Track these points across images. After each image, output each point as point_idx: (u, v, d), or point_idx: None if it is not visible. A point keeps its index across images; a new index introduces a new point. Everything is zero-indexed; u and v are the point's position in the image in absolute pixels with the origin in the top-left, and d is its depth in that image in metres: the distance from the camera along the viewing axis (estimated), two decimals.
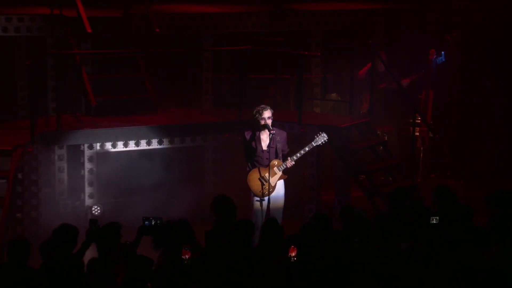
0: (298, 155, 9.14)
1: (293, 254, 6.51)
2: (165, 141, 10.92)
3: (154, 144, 10.88)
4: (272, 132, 9.01)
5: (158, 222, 6.73)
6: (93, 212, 10.39)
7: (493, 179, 12.43)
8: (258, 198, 9.04)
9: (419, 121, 11.97)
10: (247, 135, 9.18)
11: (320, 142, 9.18)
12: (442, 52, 12.64)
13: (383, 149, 11.20)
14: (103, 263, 6.59)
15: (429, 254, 6.52)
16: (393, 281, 6.24)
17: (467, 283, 6.08)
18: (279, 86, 12.69)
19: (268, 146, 9.08)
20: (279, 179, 9.12)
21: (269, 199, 9.00)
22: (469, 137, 13.07)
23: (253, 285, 6.24)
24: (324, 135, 9.17)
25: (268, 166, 9.02)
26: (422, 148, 12.63)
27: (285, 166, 9.09)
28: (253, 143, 9.11)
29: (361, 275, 6.25)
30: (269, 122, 9.08)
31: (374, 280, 6.23)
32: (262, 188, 8.96)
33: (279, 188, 9.16)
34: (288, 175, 9.25)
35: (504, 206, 6.94)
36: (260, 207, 9.02)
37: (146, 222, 6.73)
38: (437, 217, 6.92)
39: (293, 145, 9.63)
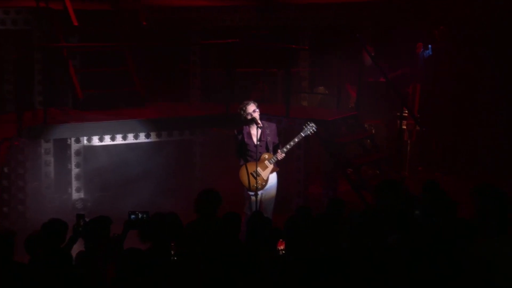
0: (288, 146, 9.15)
1: (282, 247, 6.52)
2: (153, 134, 10.89)
3: (142, 138, 10.85)
4: (259, 125, 9.02)
5: (145, 216, 6.71)
6: (77, 206, 10.35)
7: (479, 172, 12.50)
8: (253, 193, 9.04)
9: (406, 114, 12.01)
10: (238, 131, 9.19)
11: (309, 132, 9.19)
12: (429, 46, 12.68)
13: (370, 143, 11.23)
14: (90, 257, 6.58)
15: (417, 247, 6.54)
16: (381, 274, 6.26)
17: (454, 275, 6.11)
18: (267, 80, 12.69)
19: (259, 140, 9.09)
20: (271, 172, 9.13)
21: (257, 194, 9.00)
22: (456, 130, 13.13)
23: (241, 279, 6.24)
24: (313, 125, 9.18)
25: (259, 160, 9.02)
26: (409, 142, 12.68)
27: (276, 159, 9.10)
28: (245, 139, 9.12)
29: (350, 268, 6.27)
30: (256, 115, 9.10)
31: (362, 273, 6.25)
32: (255, 183, 8.97)
33: (272, 179, 9.18)
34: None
35: (489, 199, 6.98)
36: (255, 201, 9.04)
37: (133, 216, 6.71)
38: (420, 210, 6.96)
39: (280, 138, 9.63)
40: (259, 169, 9.00)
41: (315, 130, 9.20)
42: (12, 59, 11.13)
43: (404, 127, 12.23)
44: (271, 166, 9.11)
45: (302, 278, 6.09)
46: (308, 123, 9.21)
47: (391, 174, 10.89)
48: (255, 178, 8.99)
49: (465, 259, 6.25)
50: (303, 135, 9.15)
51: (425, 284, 6.13)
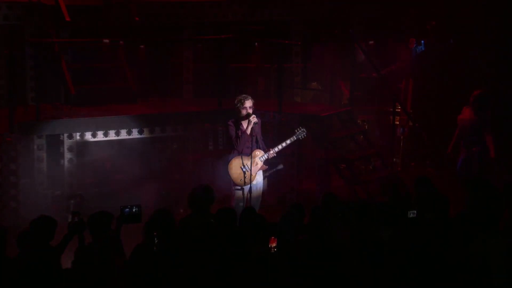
0: (280, 147, 9.16)
1: (274, 244, 6.52)
2: (146, 130, 10.87)
3: (135, 134, 10.83)
4: (255, 121, 8.99)
5: (137, 209, 6.69)
6: (69, 202, 10.32)
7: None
8: (239, 187, 9.04)
9: (399, 110, 12.03)
10: (232, 124, 9.14)
11: (300, 137, 9.26)
12: (422, 41, 12.69)
13: (363, 138, 11.25)
14: (88, 252, 6.56)
15: (410, 242, 6.57)
16: (375, 268, 6.28)
17: (447, 269, 6.14)
18: (260, 75, 12.69)
19: (250, 134, 9.09)
20: (259, 169, 9.14)
21: (250, 189, 9.01)
22: (448, 126, 13.12)
23: (234, 273, 6.25)
24: (304, 130, 9.26)
25: (250, 156, 9.03)
26: (402, 137, 12.70)
27: (266, 157, 9.10)
28: (238, 132, 9.10)
29: (344, 263, 6.29)
30: (251, 111, 9.09)
31: (357, 268, 6.27)
32: (244, 177, 8.98)
33: (259, 176, 9.18)
34: (269, 165, 9.27)
35: (480, 193, 7.01)
36: (242, 196, 9.04)
37: (126, 210, 6.68)
38: (415, 211, 6.96)
39: (273, 132, 9.62)
40: (249, 164, 9.00)
41: (305, 135, 9.31)
42: (4, 55, 11.09)
43: (397, 122, 12.25)
44: (260, 164, 9.11)
45: (294, 274, 6.10)
46: (300, 127, 9.29)
47: (383, 170, 10.92)
48: (245, 173, 8.99)
49: (456, 254, 6.28)
50: (295, 138, 9.23)
51: (417, 278, 6.15)
